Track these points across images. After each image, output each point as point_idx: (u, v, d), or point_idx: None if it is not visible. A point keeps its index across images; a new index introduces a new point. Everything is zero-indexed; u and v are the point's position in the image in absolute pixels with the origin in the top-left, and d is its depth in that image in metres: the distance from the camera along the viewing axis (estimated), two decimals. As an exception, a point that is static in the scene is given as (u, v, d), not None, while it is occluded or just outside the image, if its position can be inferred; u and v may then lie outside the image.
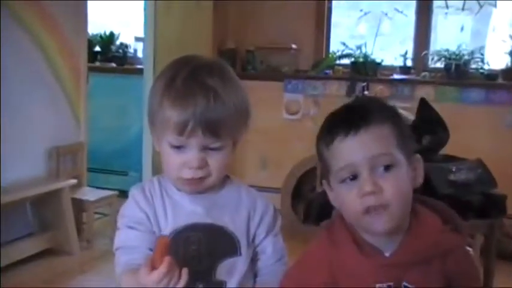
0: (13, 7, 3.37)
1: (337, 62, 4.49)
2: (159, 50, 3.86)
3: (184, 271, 1.03)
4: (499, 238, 2.84)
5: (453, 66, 4.10)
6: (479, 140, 3.86)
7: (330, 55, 4.52)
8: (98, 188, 4.10)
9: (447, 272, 1.08)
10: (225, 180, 1.24)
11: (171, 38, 3.93)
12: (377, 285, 1.05)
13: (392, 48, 4.50)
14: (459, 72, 4.10)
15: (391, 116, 1.08)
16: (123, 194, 2.83)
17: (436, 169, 2.49)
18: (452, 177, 2.55)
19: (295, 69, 4.51)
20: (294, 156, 4.28)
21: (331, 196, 1.12)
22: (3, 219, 3.24)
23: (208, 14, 4.37)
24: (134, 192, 1.21)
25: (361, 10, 4.47)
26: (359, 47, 4.37)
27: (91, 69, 4.30)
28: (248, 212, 1.23)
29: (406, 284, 1.06)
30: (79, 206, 3.73)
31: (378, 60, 4.36)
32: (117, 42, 5.28)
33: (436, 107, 2.87)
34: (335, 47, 4.54)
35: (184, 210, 1.19)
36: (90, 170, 4.19)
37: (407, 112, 2.61)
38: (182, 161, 1.15)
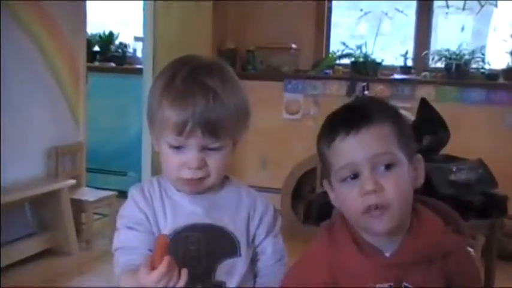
0: (13, 7, 3.37)
1: (337, 61, 4.48)
2: (159, 49, 3.86)
3: (184, 271, 1.03)
4: (500, 238, 2.84)
5: (454, 66, 4.09)
6: (480, 140, 3.86)
7: (330, 55, 4.51)
8: (97, 188, 4.09)
9: (448, 273, 1.08)
10: (224, 180, 1.23)
11: (171, 38, 3.93)
12: (377, 286, 1.05)
13: (392, 48, 4.50)
14: (460, 72, 4.09)
15: (392, 115, 1.08)
16: (122, 195, 2.84)
17: (436, 169, 2.49)
18: (452, 177, 2.54)
19: (295, 69, 4.50)
20: (294, 156, 4.28)
21: (331, 196, 1.11)
22: (3, 219, 3.24)
23: (207, 14, 4.36)
24: (133, 192, 1.21)
25: (361, 10, 4.46)
26: (359, 47, 4.36)
27: (90, 69, 4.30)
28: (248, 212, 1.23)
29: (407, 285, 1.05)
30: (78, 206, 3.72)
31: (378, 60, 4.35)
32: (117, 42, 5.28)
33: (437, 107, 2.87)
34: (335, 46, 4.54)
35: (184, 210, 1.19)
36: (89, 170, 4.19)
37: (408, 112, 2.61)
38: (181, 161, 1.14)
